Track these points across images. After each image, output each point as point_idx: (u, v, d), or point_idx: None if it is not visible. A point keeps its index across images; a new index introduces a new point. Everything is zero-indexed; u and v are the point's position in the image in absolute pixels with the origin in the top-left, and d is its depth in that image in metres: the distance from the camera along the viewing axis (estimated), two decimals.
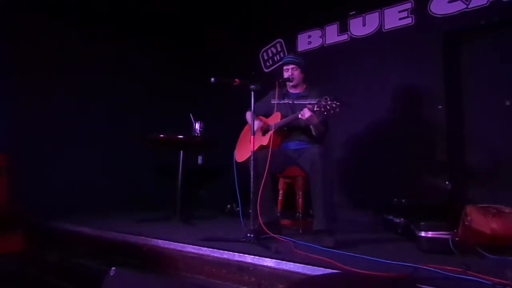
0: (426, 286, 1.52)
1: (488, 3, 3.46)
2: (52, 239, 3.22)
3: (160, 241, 2.53)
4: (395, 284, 1.52)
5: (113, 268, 1.77)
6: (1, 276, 2.95)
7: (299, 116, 2.76)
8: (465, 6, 3.59)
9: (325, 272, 1.77)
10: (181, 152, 3.84)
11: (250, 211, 2.60)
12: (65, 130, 4.20)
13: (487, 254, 2.11)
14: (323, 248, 2.30)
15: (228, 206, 4.41)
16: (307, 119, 2.73)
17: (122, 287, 1.64)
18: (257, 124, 3.10)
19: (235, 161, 3.20)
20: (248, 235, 2.48)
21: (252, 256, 2.06)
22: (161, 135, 3.68)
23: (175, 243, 2.44)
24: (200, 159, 5.43)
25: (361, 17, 4.28)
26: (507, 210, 2.34)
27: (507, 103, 3.42)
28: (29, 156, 3.85)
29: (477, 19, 3.53)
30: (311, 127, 2.91)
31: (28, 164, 3.82)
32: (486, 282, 1.55)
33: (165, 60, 5.18)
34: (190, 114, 3.86)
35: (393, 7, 4.03)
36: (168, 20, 5.01)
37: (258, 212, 2.57)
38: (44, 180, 3.91)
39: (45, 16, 4.15)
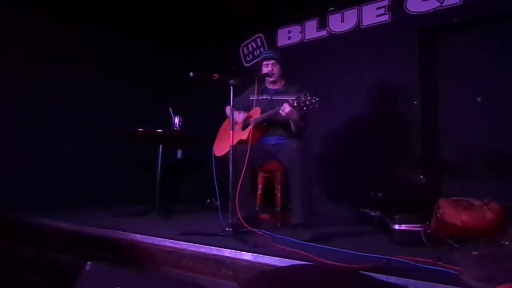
0: (397, 277, 1.56)
1: (461, 2, 3.55)
2: (27, 233, 3.16)
3: (137, 235, 2.51)
4: (361, 275, 1.54)
5: (88, 262, 1.76)
6: None
7: (279, 111, 2.76)
8: (439, 4, 3.67)
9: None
10: (160, 146, 3.81)
11: (229, 205, 2.62)
12: (42, 123, 4.12)
13: (457, 246, 2.19)
14: (300, 242, 2.33)
15: (208, 200, 4.41)
16: (286, 114, 2.74)
17: (98, 281, 1.63)
18: (242, 115, 3.11)
19: (214, 155, 3.20)
20: (227, 229, 2.48)
21: (230, 250, 2.07)
22: (140, 129, 3.64)
23: (153, 237, 2.43)
24: (179, 153, 5.41)
25: (340, 14, 4.33)
26: (477, 203, 2.43)
27: (479, 99, 3.53)
28: (2, 148, 3.76)
29: (451, 17, 3.62)
30: (290, 122, 2.93)
31: (2, 156, 3.73)
32: (454, 272, 1.61)
33: (145, 55, 5.11)
34: (170, 108, 3.83)
35: (371, 4, 4.10)
36: (147, 14, 4.95)
37: (237, 206, 2.59)
38: (19, 173, 3.83)
39: (26, 10, 4.07)
